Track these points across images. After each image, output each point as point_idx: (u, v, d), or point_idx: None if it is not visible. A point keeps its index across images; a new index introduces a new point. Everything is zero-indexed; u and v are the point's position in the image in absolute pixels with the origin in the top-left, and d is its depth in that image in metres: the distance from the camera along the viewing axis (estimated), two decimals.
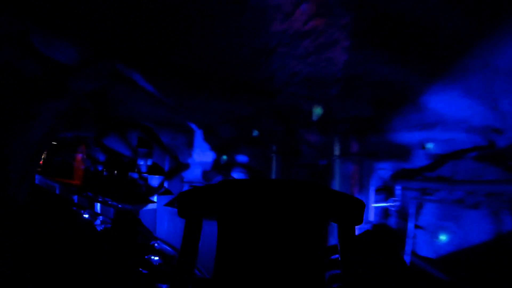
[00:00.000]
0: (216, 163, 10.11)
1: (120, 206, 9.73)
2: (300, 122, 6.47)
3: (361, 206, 1.60)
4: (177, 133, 9.27)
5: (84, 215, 10.23)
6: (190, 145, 9.75)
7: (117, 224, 2.99)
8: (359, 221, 1.59)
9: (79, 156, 15.76)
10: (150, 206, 9.98)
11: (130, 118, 8.33)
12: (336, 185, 6.12)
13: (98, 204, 11.65)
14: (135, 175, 12.16)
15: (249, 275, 1.53)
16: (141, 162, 12.08)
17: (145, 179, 11.90)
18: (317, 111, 5.90)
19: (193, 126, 8.41)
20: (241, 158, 9.48)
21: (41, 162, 21.40)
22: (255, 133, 7.87)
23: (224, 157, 10.07)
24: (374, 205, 6.78)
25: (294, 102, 5.78)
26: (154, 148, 12.30)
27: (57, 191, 13.96)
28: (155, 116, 7.70)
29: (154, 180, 11.62)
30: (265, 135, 7.53)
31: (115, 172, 13.15)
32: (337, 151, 6.09)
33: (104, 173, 13.62)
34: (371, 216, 6.61)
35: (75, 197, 13.17)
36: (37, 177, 16.63)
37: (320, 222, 1.59)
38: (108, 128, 11.93)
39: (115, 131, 12.14)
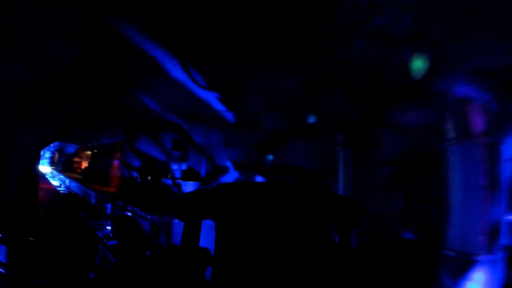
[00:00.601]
0: (260, 164, 8.13)
1: (149, 217, 8.19)
2: (385, 91, 4.23)
3: (359, 208, 1.56)
4: (211, 129, 7.48)
5: (108, 227, 8.91)
6: (228, 143, 7.91)
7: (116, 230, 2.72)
8: (357, 224, 1.56)
9: (116, 163, 14.98)
10: None
11: (144, 109, 6.70)
12: (456, 190, 3.75)
13: (129, 214, 10.32)
14: (169, 182, 10.72)
15: (246, 278, 1.50)
16: (175, 167, 10.59)
17: (179, 186, 10.37)
18: (418, 65, 3.65)
19: (229, 116, 6.53)
20: (292, 157, 7.40)
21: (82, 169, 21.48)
22: (312, 119, 5.74)
23: (270, 156, 8.05)
24: None
25: (377, 53, 3.61)
26: (189, 151, 10.81)
27: (93, 199, 13.04)
28: (173, 101, 5.95)
29: (189, 187, 9.99)
30: (326, 120, 5.36)
31: (149, 178, 11.88)
32: (451, 133, 3.75)
33: (138, 179, 12.45)
34: (504, 237, 4.10)
35: (109, 206, 12.09)
36: (76, 185, 16.23)
37: (317, 225, 1.56)
38: (137, 129, 10.66)
39: (147, 132, 10.89)
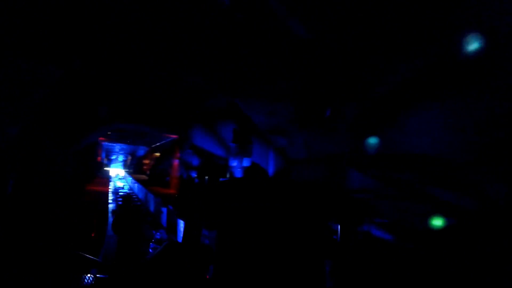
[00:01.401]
0: (358, 154, 5.25)
1: None
2: None
3: (362, 208, 1.64)
4: (276, 101, 4.85)
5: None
6: (303, 122, 5.20)
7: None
8: (360, 223, 1.61)
9: (176, 163, 13.55)
10: None
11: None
12: None
13: (182, 222, 8.37)
14: None
15: (247, 276, 1.49)
16: (234, 164, 8.29)
17: None
18: None
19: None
20: (415, 137, 4.39)
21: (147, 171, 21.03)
22: (471, 44, 2.63)
23: (374, 140, 5.14)
24: None
25: None
26: (252, 142, 8.43)
27: (152, 203, 11.61)
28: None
29: None
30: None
31: (206, 178, 9.88)
32: None
33: (196, 180, 10.58)
34: None
35: (165, 210, 10.44)
36: (139, 187, 15.32)
37: (320, 224, 1.54)
38: (187, 117, 8.62)
39: (201, 122, 8.83)
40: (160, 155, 17.23)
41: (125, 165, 26.27)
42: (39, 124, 5.47)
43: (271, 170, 7.82)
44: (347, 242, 1.78)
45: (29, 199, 4.55)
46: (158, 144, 17.00)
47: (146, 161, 22.24)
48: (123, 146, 21.20)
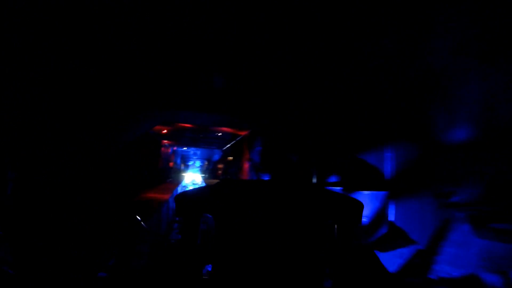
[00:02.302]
0: None
1: None
2: None
3: (360, 207, 1.51)
4: None
5: None
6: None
7: None
8: (358, 222, 1.52)
9: (246, 165, 11.24)
10: None
11: None
12: None
13: None
14: None
15: (245, 276, 1.46)
16: None
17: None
18: None
19: None
20: None
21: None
22: None
23: None
24: None
25: None
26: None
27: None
28: None
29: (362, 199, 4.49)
30: None
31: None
32: None
33: None
34: None
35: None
36: None
37: (317, 223, 1.50)
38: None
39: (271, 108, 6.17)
40: (232, 158, 15.30)
41: (202, 171, 25.72)
42: (38, 120, 4.04)
43: (388, 171, 4.61)
44: (345, 243, 1.35)
45: (27, 200, 4.17)
46: (228, 145, 15.08)
47: (220, 166, 20.91)
48: (197, 150, 20.18)
